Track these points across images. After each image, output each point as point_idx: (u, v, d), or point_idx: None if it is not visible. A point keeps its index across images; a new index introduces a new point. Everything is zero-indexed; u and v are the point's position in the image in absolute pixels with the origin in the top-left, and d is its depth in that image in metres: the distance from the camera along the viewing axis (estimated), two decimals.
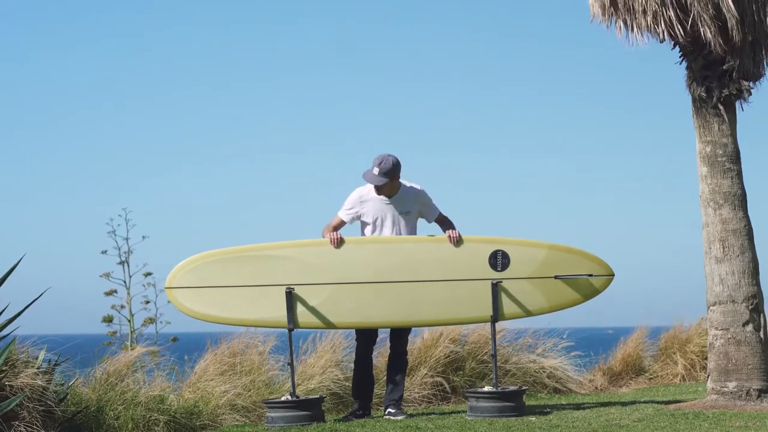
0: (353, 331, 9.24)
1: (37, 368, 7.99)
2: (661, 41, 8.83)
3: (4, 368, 7.83)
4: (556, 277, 8.66)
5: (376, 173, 8.64)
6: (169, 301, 8.71)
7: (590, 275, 8.67)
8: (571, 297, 8.70)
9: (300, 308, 8.54)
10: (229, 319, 8.66)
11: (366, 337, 8.82)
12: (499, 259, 8.64)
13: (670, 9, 8.64)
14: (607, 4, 8.83)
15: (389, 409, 8.70)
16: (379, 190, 8.71)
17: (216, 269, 8.61)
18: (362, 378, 8.80)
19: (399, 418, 8.55)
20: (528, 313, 8.68)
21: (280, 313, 8.54)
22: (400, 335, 8.80)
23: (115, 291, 10.46)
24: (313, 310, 8.55)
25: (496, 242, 8.71)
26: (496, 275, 8.61)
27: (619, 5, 8.81)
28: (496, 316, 8.64)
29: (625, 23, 8.82)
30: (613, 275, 8.74)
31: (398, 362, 8.82)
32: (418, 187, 8.81)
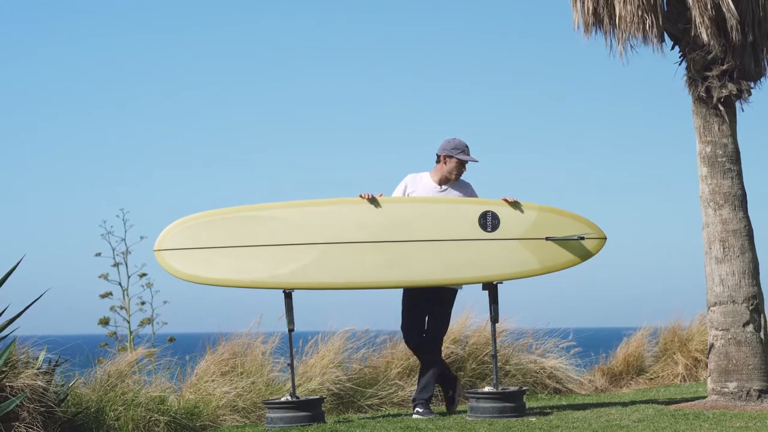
0: (352, 332, 9.23)
1: (38, 369, 7.99)
2: (660, 42, 8.84)
3: (4, 369, 7.82)
4: (547, 239, 8.62)
5: (470, 156, 8.78)
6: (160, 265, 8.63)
7: (582, 237, 8.61)
8: (564, 259, 8.61)
9: (288, 269, 8.50)
10: (218, 280, 8.56)
11: (410, 331, 8.79)
12: (488, 220, 8.60)
13: (661, 16, 8.64)
14: (590, 20, 8.84)
15: (417, 408, 8.70)
16: (463, 169, 8.79)
17: (205, 230, 8.56)
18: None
19: (429, 417, 8.54)
20: (519, 275, 8.61)
21: (269, 274, 8.50)
22: (432, 321, 8.76)
23: (111, 293, 10.46)
24: (301, 271, 8.49)
25: (485, 203, 8.69)
26: (486, 235, 8.60)
27: (604, 20, 8.81)
28: (496, 317, 8.64)
29: (607, 33, 8.84)
30: (605, 238, 8.64)
31: (427, 359, 8.77)
32: (467, 181, 8.94)
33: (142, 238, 10.33)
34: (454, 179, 8.86)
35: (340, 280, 8.55)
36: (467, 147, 8.84)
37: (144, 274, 10.41)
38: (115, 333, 10.44)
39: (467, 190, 8.93)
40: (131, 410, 8.44)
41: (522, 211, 8.63)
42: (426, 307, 8.80)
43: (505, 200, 8.64)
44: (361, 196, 8.63)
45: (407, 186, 8.86)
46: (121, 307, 10.45)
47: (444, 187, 8.87)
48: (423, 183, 8.85)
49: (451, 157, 8.82)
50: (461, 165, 8.84)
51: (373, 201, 8.62)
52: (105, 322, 10.45)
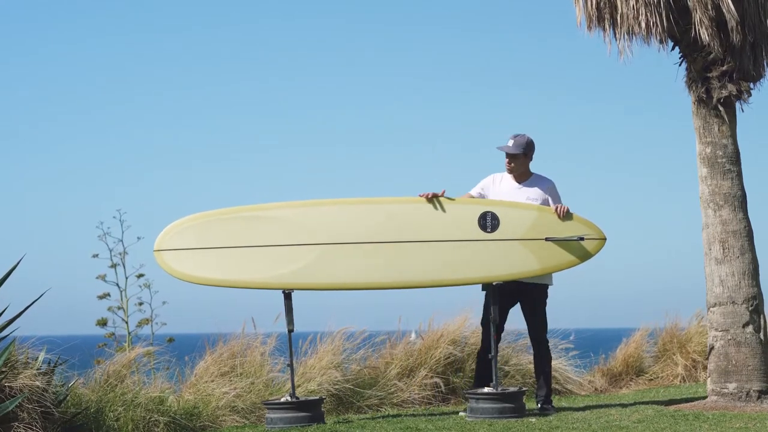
0: (352, 332, 9.21)
1: (37, 369, 7.97)
2: (661, 43, 8.84)
3: (3, 369, 7.81)
4: (546, 239, 8.61)
5: (511, 144, 8.83)
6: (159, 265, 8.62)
7: (582, 238, 8.59)
8: (563, 259, 8.58)
9: (288, 269, 8.49)
10: (218, 281, 8.54)
11: (486, 330, 8.82)
12: (488, 221, 8.59)
13: (664, 15, 8.63)
14: (594, 15, 8.83)
15: (541, 405, 8.81)
16: (511, 160, 8.84)
17: (205, 231, 8.54)
18: (482, 368, 8.87)
19: (548, 416, 8.51)
20: (519, 275, 8.58)
21: (269, 274, 8.49)
22: (531, 322, 8.81)
23: (108, 294, 10.44)
24: (301, 272, 8.48)
25: (485, 204, 8.70)
26: (485, 236, 8.59)
27: (605, 17, 8.81)
28: (496, 317, 8.63)
29: (606, 32, 8.84)
30: (605, 238, 8.62)
31: (537, 353, 8.87)
32: (549, 179, 8.96)
33: (139, 238, 10.32)
34: (512, 173, 8.89)
35: (340, 280, 8.54)
36: (513, 137, 8.87)
37: (142, 275, 10.40)
38: (113, 334, 10.43)
39: (545, 187, 8.89)
40: (131, 411, 8.43)
41: (522, 212, 8.62)
42: (509, 306, 8.87)
43: (557, 212, 8.60)
44: (420, 196, 8.63)
45: (495, 179, 8.91)
46: (119, 308, 10.43)
47: (520, 185, 8.89)
48: (505, 182, 8.89)
49: None
50: (507, 158, 8.88)
51: (433, 200, 8.61)
52: (103, 322, 10.44)
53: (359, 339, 10.34)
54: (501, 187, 8.87)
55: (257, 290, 8.67)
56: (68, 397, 8.26)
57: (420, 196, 8.66)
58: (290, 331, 8.55)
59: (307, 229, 8.55)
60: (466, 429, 7.89)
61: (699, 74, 8.85)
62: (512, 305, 8.93)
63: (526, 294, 8.81)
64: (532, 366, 11.00)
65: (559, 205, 8.67)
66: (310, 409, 8.35)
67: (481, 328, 8.99)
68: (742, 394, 8.60)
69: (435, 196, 8.64)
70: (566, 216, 8.61)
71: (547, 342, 8.97)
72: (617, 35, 8.82)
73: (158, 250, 8.56)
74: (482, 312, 8.94)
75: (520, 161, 8.88)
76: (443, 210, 8.65)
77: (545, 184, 8.92)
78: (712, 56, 8.76)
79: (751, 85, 8.86)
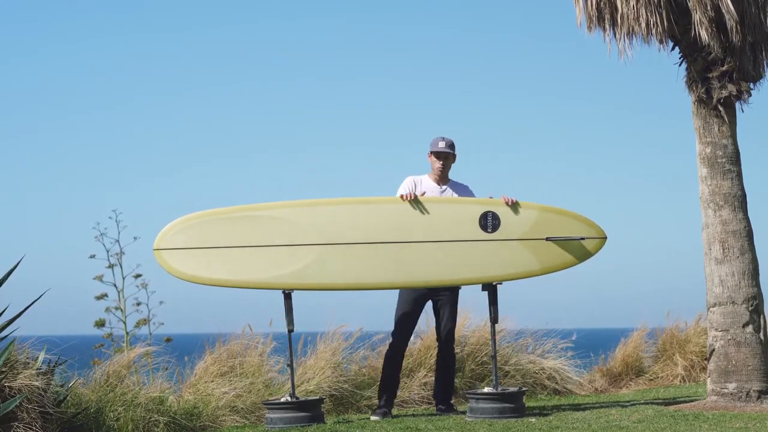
0: (351, 330, 9.20)
1: (37, 369, 7.96)
2: (661, 43, 8.84)
3: (3, 369, 7.80)
4: (547, 239, 8.60)
5: (443, 145, 8.90)
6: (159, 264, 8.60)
7: (583, 238, 8.59)
8: (564, 259, 8.59)
9: (289, 270, 8.48)
10: (218, 280, 8.52)
11: (404, 330, 8.86)
12: (489, 221, 8.59)
13: (665, 15, 8.63)
14: (594, 15, 8.82)
15: (440, 406, 8.98)
16: (445, 162, 8.91)
17: (205, 230, 8.52)
18: (392, 374, 8.90)
19: (450, 414, 8.74)
20: (519, 275, 8.59)
21: (269, 275, 8.48)
22: (446, 328, 8.88)
23: (106, 295, 10.41)
24: (301, 272, 8.47)
25: (486, 203, 8.69)
26: (486, 236, 8.59)
27: (606, 17, 8.80)
28: (495, 317, 8.63)
29: (606, 32, 8.84)
30: (606, 237, 8.63)
31: (447, 357, 8.95)
32: (465, 183, 9.07)
33: (135, 238, 10.28)
34: (441, 174, 8.93)
35: (340, 280, 8.53)
36: (442, 139, 8.92)
37: (139, 275, 10.38)
38: (111, 334, 10.40)
39: (465, 192, 8.99)
40: (131, 411, 8.42)
41: (523, 212, 8.62)
42: (421, 309, 8.91)
43: (505, 201, 8.63)
44: (401, 197, 8.61)
45: (415, 182, 8.92)
46: (117, 308, 10.40)
47: (444, 187, 8.90)
48: (425, 185, 8.91)
49: (429, 154, 8.97)
50: (438, 157, 8.92)
51: (414, 201, 8.60)
52: (101, 323, 10.41)
53: (357, 339, 10.33)
54: (423, 189, 8.86)
55: (257, 290, 8.65)
56: (68, 397, 8.25)
57: (401, 197, 8.61)
58: (290, 331, 8.54)
59: (307, 229, 8.54)
60: (466, 429, 7.89)
61: (699, 74, 8.85)
62: (422, 308, 8.96)
63: (441, 294, 8.86)
64: (531, 365, 11.03)
65: (507, 196, 8.64)
66: (310, 409, 8.34)
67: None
68: (742, 394, 8.60)
69: (415, 198, 8.61)
70: (514, 205, 8.60)
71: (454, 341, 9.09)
72: (617, 35, 8.82)
73: (158, 249, 8.54)
74: (398, 320, 8.89)
75: (450, 162, 8.97)
76: (443, 210, 8.64)
77: (462, 187, 9.02)
78: (712, 56, 8.76)
79: (751, 85, 8.87)
